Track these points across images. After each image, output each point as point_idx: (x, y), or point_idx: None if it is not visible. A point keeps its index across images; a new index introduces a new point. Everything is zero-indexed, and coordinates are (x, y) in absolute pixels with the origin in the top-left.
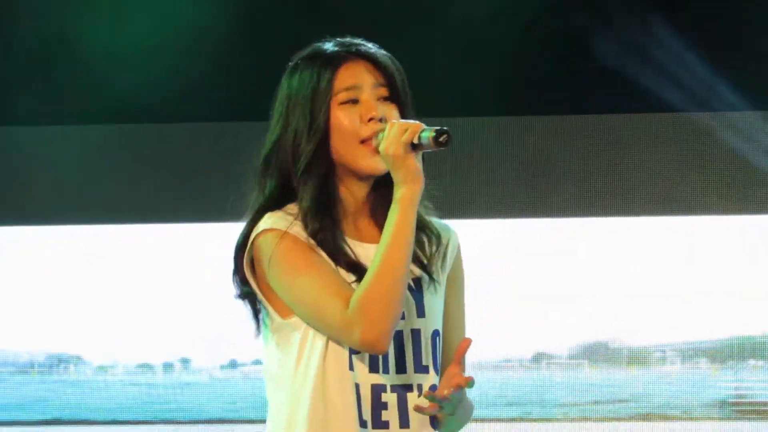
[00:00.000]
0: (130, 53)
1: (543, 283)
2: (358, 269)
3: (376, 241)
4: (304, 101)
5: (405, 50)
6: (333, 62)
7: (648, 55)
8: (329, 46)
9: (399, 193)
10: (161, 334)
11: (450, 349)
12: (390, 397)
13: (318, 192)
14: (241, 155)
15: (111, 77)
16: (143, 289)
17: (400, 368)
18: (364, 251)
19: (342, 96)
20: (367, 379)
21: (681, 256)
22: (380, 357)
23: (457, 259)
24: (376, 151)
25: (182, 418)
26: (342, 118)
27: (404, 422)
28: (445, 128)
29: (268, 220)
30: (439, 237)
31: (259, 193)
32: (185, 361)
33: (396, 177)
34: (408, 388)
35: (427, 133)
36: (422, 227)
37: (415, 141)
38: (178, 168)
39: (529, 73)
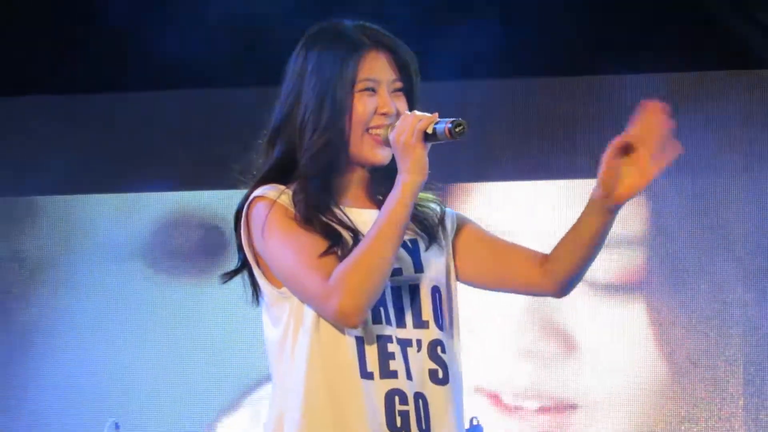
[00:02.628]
0: None
1: None
2: (350, 230)
3: (366, 206)
4: (323, 84)
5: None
6: (358, 50)
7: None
8: (351, 29)
9: (402, 180)
10: None
11: (496, 244)
12: (396, 348)
13: (318, 174)
14: None
15: None
16: None
17: (400, 322)
18: (355, 215)
19: (362, 84)
20: (372, 331)
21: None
22: (381, 309)
23: (455, 218)
24: (381, 142)
25: None
26: (357, 105)
27: (409, 374)
28: (459, 119)
29: (261, 189)
30: (437, 209)
31: (264, 162)
32: None
33: (403, 165)
34: (408, 342)
35: (443, 125)
36: (423, 200)
37: (429, 131)
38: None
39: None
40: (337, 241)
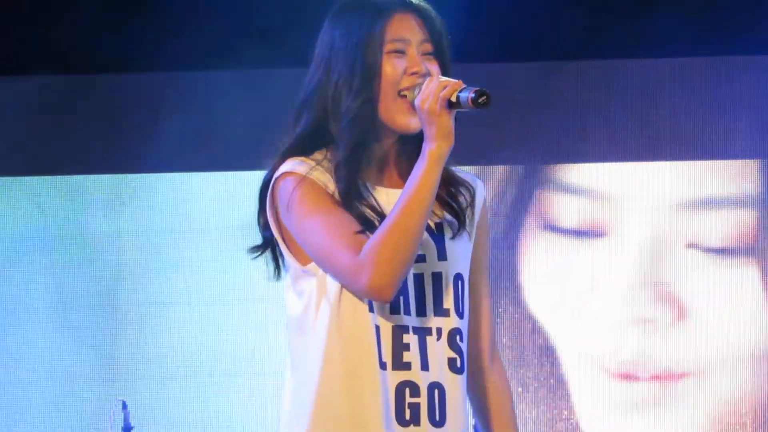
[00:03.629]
0: None
1: None
2: (376, 213)
3: (398, 186)
4: (353, 48)
5: None
6: (385, 12)
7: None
8: None
9: (428, 148)
10: None
11: (475, 292)
12: (412, 339)
13: (356, 143)
14: None
15: None
16: None
17: (420, 311)
18: (386, 196)
19: (390, 46)
20: (389, 321)
21: None
22: (401, 298)
23: (483, 209)
24: (412, 107)
25: None
26: (387, 66)
27: (424, 364)
28: (485, 89)
29: (289, 164)
30: (469, 190)
31: (291, 132)
32: None
33: (428, 132)
34: (427, 331)
35: (467, 93)
36: (453, 180)
37: (453, 99)
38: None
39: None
40: (370, 225)
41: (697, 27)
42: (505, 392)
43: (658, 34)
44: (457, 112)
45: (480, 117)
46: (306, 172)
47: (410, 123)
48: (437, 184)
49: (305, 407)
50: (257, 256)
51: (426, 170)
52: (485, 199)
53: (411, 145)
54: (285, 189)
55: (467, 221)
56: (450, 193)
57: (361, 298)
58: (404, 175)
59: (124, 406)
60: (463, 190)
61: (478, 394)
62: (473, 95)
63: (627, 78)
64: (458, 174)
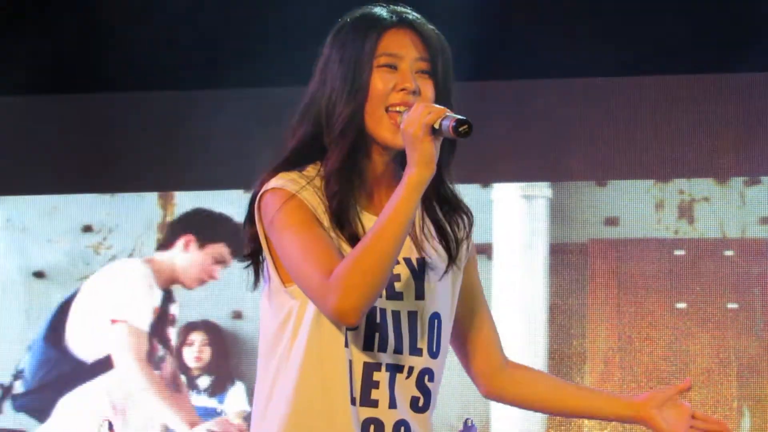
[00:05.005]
0: None
1: None
2: (356, 241)
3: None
4: (346, 61)
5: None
6: (380, 26)
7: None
8: (380, 10)
9: (408, 174)
10: None
11: (476, 316)
12: (382, 377)
13: (346, 156)
14: None
15: None
16: None
17: (397, 348)
18: (370, 222)
19: (382, 60)
20: (360, 357)
21: None
22: (377, 335)
23: (471, 257)
24: (399, 126)
25: None
26: (376, 80)
27: (392, 403)
28: (465, 118)
29: (280, 180)
30: (468, 219)
31: (289, 143)
32: None
33: (410, 157)
34: (399, 368)
35: (448, 121)
36: (455, 206)
37: (436, 126)
38: None
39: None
40: (354, 241)
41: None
42: (530, 371)
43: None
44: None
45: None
46: (296, 191)
47: (395, 139)
48: (414, 211)
49: (276, 423)
50: (247, 267)
51: (403, 196)
52: (473, 244)
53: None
54: (272, 204)
55: (458, 257)
56: (445, 223)
57: (339, 327)
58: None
59: (110, 426)
60: (461, 219)
61: (518, 396)
62: (454, 124)
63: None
64: (461, 200)
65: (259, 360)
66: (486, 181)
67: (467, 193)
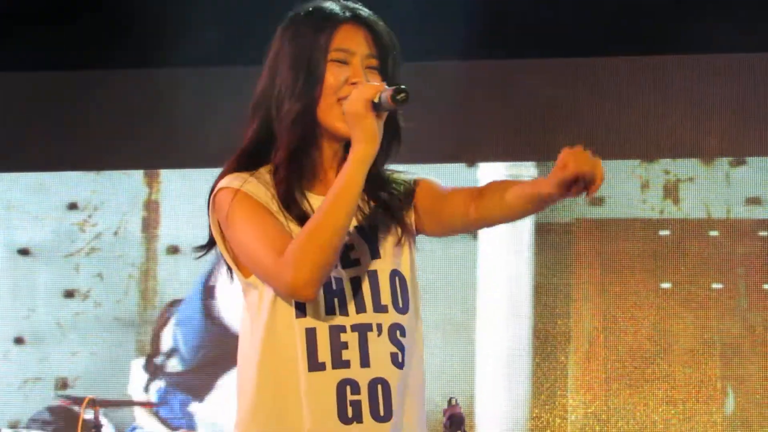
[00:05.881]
0: None
1: None
2: (305, 221)
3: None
4: (298, 54)
5: None
6: (333, 21)
7: None
8: (331, 5)
9: (353, 150)
10: None
11: (450, 197)
12: (350, 337)
13: (295, 147)
14: None
15: None
16: None
17: (360, 308)
18: (318, 203)
19: (334, 55)
20: (325, 321)
21: None
22: (336, 300)
23: (417, 184)
24: None
25: None
26: (328, 74)
27: (365, 361)
28: (402, 86)
29: (226, 179)
30: (406, 186)
31: (242, 143)
32: None
33: (353, 135)
34: (368, 327)
35: (386, 93)
36: (389, 182)
37: (375, 100)
38: None
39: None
40: (303, 221)
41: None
42: (495, 194)
43: None
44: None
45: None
46: (239, 186)
47: (347, 128)
48: (361, 185)
49: (246, 412)
50: (200, 257)
51: (350, 171)
52: (415, 180)
53: None
54: (221, 203)
55: (405, 225)
56: (386, 197)
57: (288, 301)
58: None
59: (94, 404)
60: (398, 190)
61: (497, 211)
62: (392, 93)
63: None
64: (396, 175)
65: (239, 352)
66: (471, 161)
67: (453, 172)
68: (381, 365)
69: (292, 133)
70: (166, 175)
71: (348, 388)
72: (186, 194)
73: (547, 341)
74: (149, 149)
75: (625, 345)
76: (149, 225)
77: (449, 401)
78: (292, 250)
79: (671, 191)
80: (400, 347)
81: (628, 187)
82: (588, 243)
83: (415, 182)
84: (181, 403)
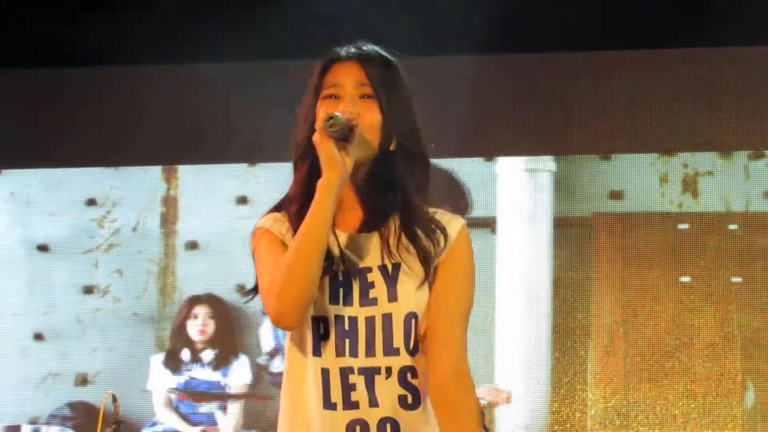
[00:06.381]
0: None
1: None
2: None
3: (363, 230)
4: (305, 97)
5: None
6: (329, 61)
7: None
8: (340, 48)
9: (320, 180)
10: None
11: (435, 329)
12: (358, 379)
13: (301, 180)
14: None
15: None
16: None
17: (369, 352)
18: (348, 240)
19: (326, 92)
20: (336, 363)
21: None
22: (347, 341)
23: (457, 242)
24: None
25: None
26: (319, 110)
27: (373, 402)
28: (331, 114)
29: (261, 219)
30: (440, 232)
31: None
32: None
33: (321, 165)
34: (376, 370)
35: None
36: (426, 222)
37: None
38: None
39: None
40: None
41: None
42: (461, 409)
43: None
44: None
45: None
46: (269, 226)
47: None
48: (328, 213)
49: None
50: (247, 301)
51: (315, 199)
52: (459, 237)
53: (373, 187)
54: (253, 242)
55: (430, 266)
56: (419, 234)
57: (305, 341)
58: (364, 219)
59: (114, 399)
60: (432, 233)
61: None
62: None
63: None
64: (435, 216)
65: None
66: (490, 155)
67: (471, 167)
68: (389, 406)
69: (299, 168)
70: (184, 170)
71: (358, 428)
72: (204, 190)
73: (567, 335)
74: (167, 145)
75: (644, 339)
76: (168, 221)
77: None
78: (272, 283)
79: (690, 185)
80: (411, 389)
81: (647, 181)
82: (607, 237)
83: (455, 243)
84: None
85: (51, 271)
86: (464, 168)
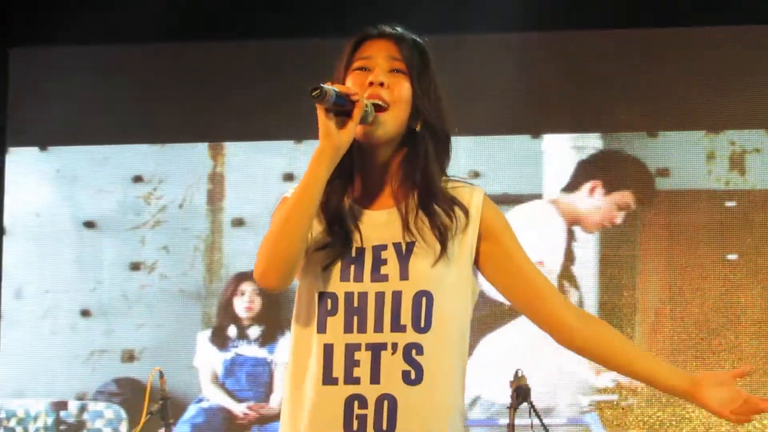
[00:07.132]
0: None
1: None
2: (342, 229)
3: (384, 207)
4: (336, 74)
5: None
6: (358, 39)
7: None
8: (370, 28)
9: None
10: None
11: (537, 289)
12: (363, 356)
13: (331, 156)
14: None
15: None
16: None
17: (378, 327)
18: (367, 217)
19: (356, 64)
20: (342, 339)
21: None
22: (356, 318)
23: (486, 212)
24: (363, 119)
25: None
26: (348, 81)
27: (375, 378)
28: (313, 86)
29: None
30: (460, 209)
31: None
32: None
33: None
34: (382, 346)
35: None
36: (443, 197)
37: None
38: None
39: None
40: (333, 239)
41: None
42: (600, 331)
43: None
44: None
45: None
46: (289, 195)
47: (359, 133)
48: (319, 180)
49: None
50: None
51: (309, 166)
52: (484, 203)
53: (404, 167)
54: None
55: (449, 243)
56: (438, 211)
57: (311, 317)
58: (385, 196)
59: (161, 375)
60: (451, 210)
61: (591, 353)
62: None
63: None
64: (454, 191)
65: None
66: (536, 132)
67: (517, 143)
68: (391, 382)
69: (323, 143)
70: (230, 147)
71: (356, 403)
72: (251, 167)
73: (613, 313)
74: (214, 121)
75: (691, 316)
76: (214, 198)
77: (515, 373)
78: (263, 243)
79: (737, 162)
80: (415, 366)
81: (694, 159)
82: (653, 215)
83: (488, 226)
84: (248, 375)
85: (98, 248)
86: (511, 145)
